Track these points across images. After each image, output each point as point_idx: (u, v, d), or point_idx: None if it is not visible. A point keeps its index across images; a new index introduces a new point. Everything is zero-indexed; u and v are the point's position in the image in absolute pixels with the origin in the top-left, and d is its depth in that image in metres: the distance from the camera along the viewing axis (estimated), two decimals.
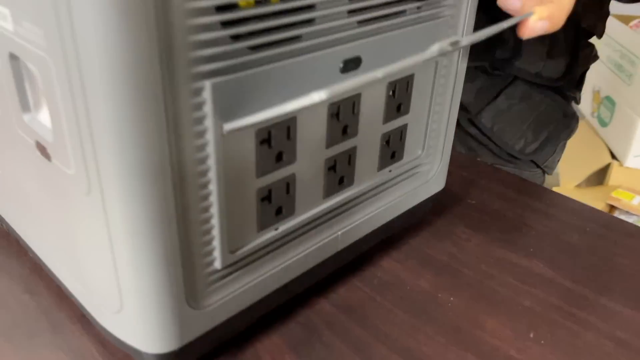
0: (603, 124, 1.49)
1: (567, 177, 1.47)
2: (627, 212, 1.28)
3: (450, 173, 0.49)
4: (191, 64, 0.21)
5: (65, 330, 0.31)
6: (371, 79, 0.21)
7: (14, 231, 0.35)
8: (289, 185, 0.28)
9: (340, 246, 0.33)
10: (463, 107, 0.63)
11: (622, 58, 1.39)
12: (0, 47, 0.24)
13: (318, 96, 0.19)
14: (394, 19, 0.29)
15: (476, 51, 0.65)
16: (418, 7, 0.30)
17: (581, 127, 1.61)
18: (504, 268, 0.38)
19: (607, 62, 1.47)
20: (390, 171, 0.34)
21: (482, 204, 0.45)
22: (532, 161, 0.65)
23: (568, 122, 0.66)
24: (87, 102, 0.20)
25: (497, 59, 0.62)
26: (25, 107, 0.25)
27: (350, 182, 0.32)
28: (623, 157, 1.36)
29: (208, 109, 0.22)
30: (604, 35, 1.69)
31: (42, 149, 0.25)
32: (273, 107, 0.21)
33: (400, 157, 0.34)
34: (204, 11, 0.20)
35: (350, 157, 0.31)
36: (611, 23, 1.46)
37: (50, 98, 0.22)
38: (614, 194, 1.31)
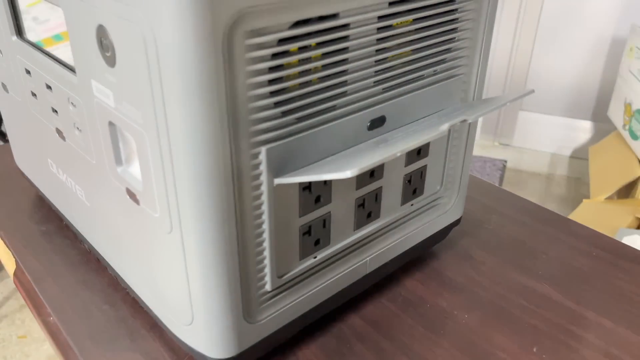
0: (634, 137, 1.50)
1: (598, 189, 1.48)
2: None
3: (472, 200, 0.54)
4: (251, 135, 0.27)
5: (140, 337, 0.38)
6: (391, 157, 0.26)
7: (95, 251, 0.42)
8: (325, 221, 0.34)
9: (369, 270, 0.39)
10: None
11: None
12: (102, 115, 0.30)
13: (350, 172, 0.24)
14: (413, 82, 0.34)
15: None
16: (434, 71, 0.35)
17: (614, 139, 1.62)
18: (515, 289, 0.43)
19: (638, 75, 1.49)
20: (412, 205, 0.40)
21: (500, 230, 0.50)
22: None
23: None
24: (173, 163, 0.26)
25: None
26: (118, 161, 0.32)
27: (377, 216, 0.37)
28: None
29: (263, 168, 0.28)
30: (635, 49, 1.69)
31: (132, 195, 0.31)
32: (313, 174, 0.27)
33: (421, 193, 0.40)
34: (261, 96, 0.26)
35: (377, 195, 0.36)
36: None
37: (142, 158, 0.28)
38: None
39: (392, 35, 0.31)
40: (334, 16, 0.28)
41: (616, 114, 1.63)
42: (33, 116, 0.41)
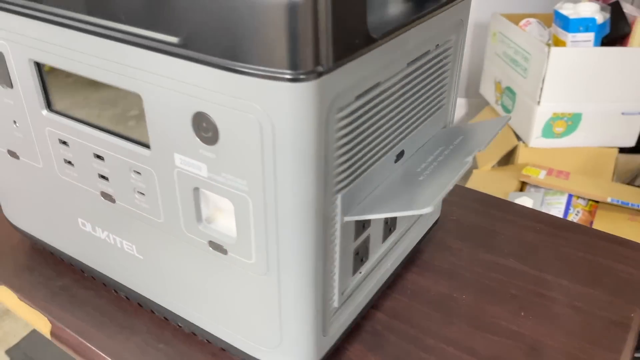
0: (507, 110, 1.72)
1: (483, 160, 1.69)
2: (536, 186, 1.52)
3: None
4: (333, 186, 0.33)
5: None
6: (449, 189, 0.34)
7: (139, 296, 0.45)
8: (367, 241, 0.41)
9: (388, 274, 0.47)
10: None
11: (517, 54, 1.62)
12: (185, 183, 0.35)
13: (429, 208, 0.32)
14: (420, 119, 0.42)
15: None
16: (430, 109, 0.44)
17: (488, 113, 1.84)
18: (490, 267, 0.53)
19: (503, 57, 1.70)
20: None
21: (462, 219, 0.60)
22: None
23: None
24: (278, 219, 0.32)
25: None
26: (199, 219, 0.36)
27: (395, 228, 0.45)
28: (527, 139, 1.60)
29: (338, 210, 0.35)
30: (498, 34, 1.91)
31: (217, 247, 0.36)
32: (389, 211, 0.34)
33: None
34: (340, 155, 0.33)
35: None
36: (503, 23, 1.68)
37: (240, 217, 0.34)
38: (524, 172, 1.54)
39: (411, 88, 0.39)
40: (377, 85, 0.35)
41: (488, 91, 1.85)
42: (60, 181, 0.43)
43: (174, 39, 0.30)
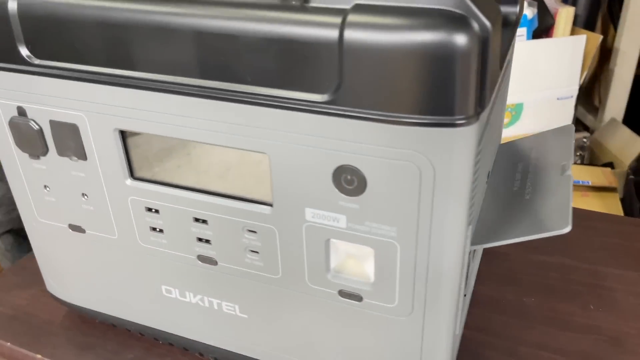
0: None
1: None
2: None
3: None
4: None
5: None
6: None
7: (232, 354, 0.44)
8: (469, 263, 0.42)
9: (467, 291, 0.48)
10: None
11: None
12: (316, 236, 0.34)
13: (568, 228, 0.33)
14: (495, 137, 0.44)
15: None
16: (499, 125, 0.45)
17: None
18: (544, 267, 0.56)
19: None
20: None
21: None
22: None
23: None
24: (429, 261, 0.32)
25: None
26: (327, 269, 0.35)
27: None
28: None
29: (468, 241, 0.35)
30: None
31: (349, 295, 0.36)
32: (522, 235, 0.35)
33: None
34: (474, 189, 0.34)
35: None
36: None
37: (381, 263, 0.33)
38: None
39: (496, 107, 0.40)
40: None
41: None
42: (142, 250, 0.41)
43: (319, 97, 0.30)
